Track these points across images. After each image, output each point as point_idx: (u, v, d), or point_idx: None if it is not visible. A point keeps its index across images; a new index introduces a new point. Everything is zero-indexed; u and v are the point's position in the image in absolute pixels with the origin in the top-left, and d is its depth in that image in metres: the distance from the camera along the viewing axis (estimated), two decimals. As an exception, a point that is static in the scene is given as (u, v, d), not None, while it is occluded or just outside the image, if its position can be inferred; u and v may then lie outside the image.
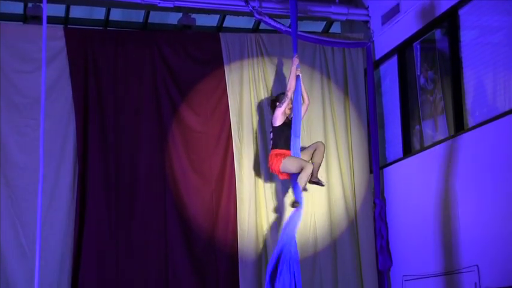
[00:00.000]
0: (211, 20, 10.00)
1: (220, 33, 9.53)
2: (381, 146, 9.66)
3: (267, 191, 9.17)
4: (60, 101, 8.68)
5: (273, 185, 9.22)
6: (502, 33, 7.67)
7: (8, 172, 8.34)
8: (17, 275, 8.14)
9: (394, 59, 9.56)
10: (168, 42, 9.25)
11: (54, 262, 8.30)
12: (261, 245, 9.04)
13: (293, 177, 8.18)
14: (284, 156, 8.09)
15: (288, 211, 9.17)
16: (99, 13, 9.63)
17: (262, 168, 9.21)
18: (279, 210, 9.20)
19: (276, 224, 9.12)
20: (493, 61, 7.77)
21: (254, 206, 9.09)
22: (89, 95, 8.82)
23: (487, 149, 7.58)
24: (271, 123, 8.43)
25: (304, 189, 8.08)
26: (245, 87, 9.36)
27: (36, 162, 7.18)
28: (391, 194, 9.41)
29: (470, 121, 8.02)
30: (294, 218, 7.96)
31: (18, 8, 9.18)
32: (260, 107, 9.35)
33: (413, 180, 8.95)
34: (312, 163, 8.28)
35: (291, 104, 8.31)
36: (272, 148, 8.31)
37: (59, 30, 8.87)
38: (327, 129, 9.46)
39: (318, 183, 8.43)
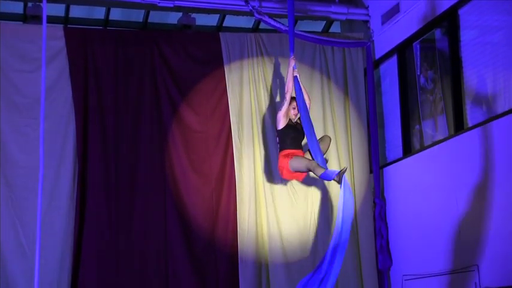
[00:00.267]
0: (211, 20, 10.00)
1: (220, 33, 9.53)
2: (380, 146, 9.66)
3: (267, 191, 9.18)
4: (60, 101, 8.68)
5: (273, 185, 9.23)
6: (502, 33, 7.67)
7: (8, 172, 8.34)
8: (17, 274, 8.14)
9: (394, 59, 9.56)
10: (168, 42, 9.25)
11: (54, 261, 8.30)
12: (261, 245, 9.04)
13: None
14: (292, 156, 7.98)
15: (288, 211, 9.22)
16: (99, 13, 9.63)
17: (262, 168, 9.21)
18: (278, 209, 9.20)
19: (276, 224, 9.13)
20: (492, 61, 7.77)
21: (254, 205, 9.09)
22: (89, 94, 8.82)
23: (487, 148, 7.58)
24: (276, 128, 8.35)
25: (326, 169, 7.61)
26: (245, 87, 9.36)
27: (36, 162, 7.17)
28: (391, 194, 9.41)
29: (470, 121, 8.02)
30: (347, 201, 7.41)
31: (18, 8, 9.18)
32: (260, 106, 9.35)
33: (413, 180, 8.95)
34: None
35: (295, 105, 8.22)
36: (280, 151, 8.19)
37: (58, 29, 8.86)
38: (327, 129, 9.46)
39: None
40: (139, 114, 8.99)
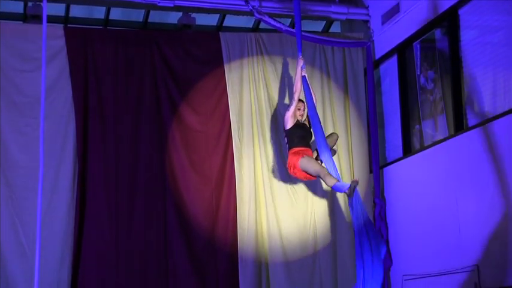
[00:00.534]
0: (211, 20, 10.01)
1: (220, 33, 9.53)
2: (380, 146, 9.66)
3: (267, 190, 9.18)
4: (60, 100, 8.68)
5: (273, 184, 9.23)
6: (502, 33, 7.67)
7: (8, 171, 8.33)
8: (17, 274, 8.14)
9: (394, 59, 9.56)
10: (168, 42, 9.25)
11: (54, 261, 8.30)
12: (260, 244, 9.04)
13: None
14: (302, 154, 7.98)
15: (288, 210, 9.22)
16: (99, 12, 9.63)
17: (262, 168, 9.21)
18: (278, 209, 9.20)
19: (276, 223, 9.13)
20: (492, 61, 7.77)
21: (254, 205, 9.09)
22: (89, 94, 8.82)
23: (486, 148, 7.58)
24: (283, 128, 8.34)
25: (338, 182, 7.67)
26: (245, 86, 9.36)
27: (36, 162, 7.16)
28: (391, 194, 9.41)
29: (470, 121, 8.02)
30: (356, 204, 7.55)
31: (18, 7, 9.18)
32: (260, 106, 9.35)
33: (413, 179, 8.95)
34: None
35: (300, 105, 8.23)
36: (289, 149, 8.16)
37: (59, 29, 8.86)
38: (327, 128, 9.44)
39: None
40: (139, 114, 8.99)
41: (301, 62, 8.12)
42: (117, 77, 8.97)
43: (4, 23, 8.75)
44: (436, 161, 8.43)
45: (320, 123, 7.90)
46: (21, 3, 9.08)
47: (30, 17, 8.78)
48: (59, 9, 9.30)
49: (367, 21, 9.95)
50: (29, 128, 8.40)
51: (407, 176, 9.12)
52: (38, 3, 8.69)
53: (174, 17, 9.72)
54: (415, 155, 8.96)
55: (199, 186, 9.01)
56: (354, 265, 9.21)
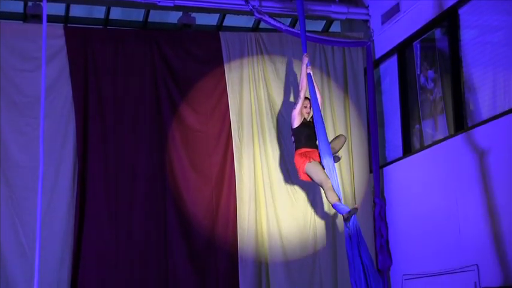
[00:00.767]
0: (211, 19, 10.00)
1: (220, 32, 9.53)
2: (380, 145, 9.66)
3: (266, 190, 9.18)
4: (60, 100, 8.68)
5: (273, 184, 9.23)
6: (502, 33, 7.67)
7: (8, 171, 8.34)
8: (17, 274, 8.15)
9: (394, 58, 9.56)
10: (168, 41, 9.25)
11: (54, 261, 8.30)
12: (260, 244, 9.04)
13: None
14: (309, 158, 7.97)
15: (288, 209, 9.22)
16: (99, 12, 9.63)
17: (262, 168, 9.21)
18: (278, 208, 9.20)
19: (276, 223, 9.13)
20: (492, 61, 7.77)
21: (254, 205, 9.10)
22: (89, 93, 8.83)
23: (486, 148, 7.58)
24: (291, 127, 8.32)
25: (339, 201, 7.72)
26: (245, 86, 9.36)
27: (36, 161, 7.17)
28: (391, 193, 9.41)
29: (470, 120, 8.02)
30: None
31: (18, 7, 9.18)
32: (260, 105, 9.35)
33: (413, 179, 8.95)
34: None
35: (307, 103, 8.23)
36: (296, 149, 8.15)
37: (59, 29, 8.86)
38: (327, 128, 9.39)
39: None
40: (139, 113, 8.99)
41: (306, 60, 8.13)
42: (117, 76, 8.97)
43: (4, 23, 8.76)
44: (436, 161, 8.43)
45: (324, 127, 7.88)
46: (21, 3, 9.08)
47: (30, 16, 8.79)
48: (59, 9, 9.30)
49: (367, 21, 9.95)
50: (29, 128, 8.40)
51: (407, 176, 9.11)
52: (38, 2, 8.69)
53: (174, 17, 9.73)
54: (415, 155, 8.96)
55: (199, 186, 9.01)
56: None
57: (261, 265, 9.00)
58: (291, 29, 9.20)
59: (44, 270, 7.85)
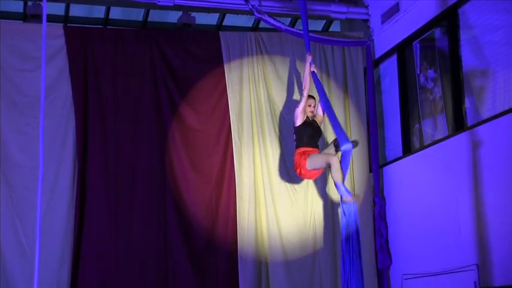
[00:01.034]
0: (211, 19, 10.00)
1: (220, 32, 9.53)
2: (380, 145, 9.66)
3: (266, 190, 9.18)
4: (60, 100, 8.68)
5: (273, 184, 9.23)
6: (502, 32, 7.67)
7: (8, 171, 8.34)
8: (17, 274, 8.14)
9: (393, 58, 9.56)
10: (167, 41, 9.25)
11: (54, 261, 8.30)
12: (260, 244, 9.04)
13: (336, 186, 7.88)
14: (308, 155, 7.98)
15: (287, 209, 9.22)
16: (99, 11, 9.63)
17: (262, 168, 9.21)
18: (278, 208, 9.20)
19: (276, 222, 9.13)
20: (492, 60, 7.77)
21: (254, 204, 9.10)
22: (89, 93, 8.82)
23: (486, 148, 7.59)
24: (293, 125, 8.31)
25: (344, 181, 7.74)
26: (245, 85, 9.36)
27: (36, 161, 7.15)
28: (391, 193, 9.41)
29: (469, 120, 8.02)
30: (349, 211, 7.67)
31: (18, 7, 9.18)
32: (260, 105, 9.35)
33: (413, 179, 8.95)
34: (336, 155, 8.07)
35: (311, 102, 8.23)
36: (296, 148, 8.16)
37: (58, 28, 8.86)
38: (327, 128, 9.44)
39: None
40: (139, 113, 8.99)
41: (309, 58, 8.14)
42: (117, 76, 8.97)
43: (4, 23, 8.75)
44: (436, 160, 8.43)
45: (336, 117, 7.84)
46: (21, 3, 9.08)
47: (30, 16, 8.78)
48: (58, 9, 9.30)
49: (366, 21, 9.96)
50: (29, 128, 8.40)
51: (407, 175, 9.12)
52: (37, 2, 8.69)
53: (173, 16, 9.72)
54: (415, 154, 8.96)
55: (199, 186, 9.01)
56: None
57: (260, 265, 9.00)
58: (290, 29, 9.20)
59: (44, 270, 7.84)
